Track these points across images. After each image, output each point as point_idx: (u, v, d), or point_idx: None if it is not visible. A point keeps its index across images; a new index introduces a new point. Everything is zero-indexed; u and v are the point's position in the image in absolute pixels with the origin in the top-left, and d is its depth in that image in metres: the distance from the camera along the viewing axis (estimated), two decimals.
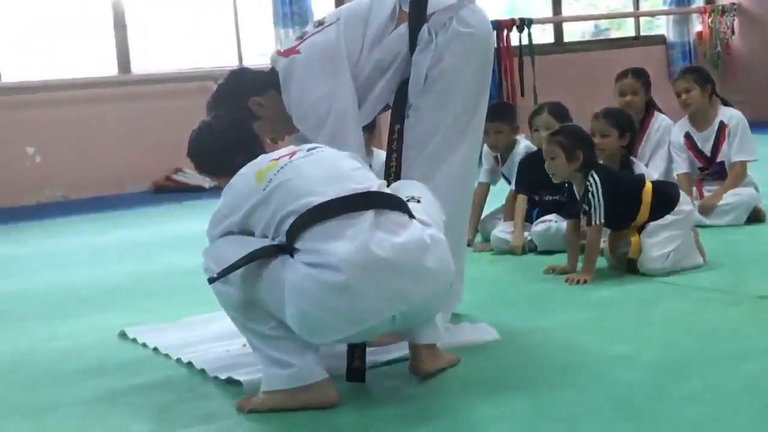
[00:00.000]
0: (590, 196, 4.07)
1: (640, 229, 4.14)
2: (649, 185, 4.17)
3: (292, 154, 2.81)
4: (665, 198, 4.14)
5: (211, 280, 2.70)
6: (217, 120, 3.16)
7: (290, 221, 2.62)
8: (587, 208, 4.12)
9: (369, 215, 2.60)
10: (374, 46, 3.28)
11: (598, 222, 4.06)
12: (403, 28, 3.27)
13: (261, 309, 2.70)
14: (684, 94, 5.41)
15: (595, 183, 4.07)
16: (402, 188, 2.89)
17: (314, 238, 2.58)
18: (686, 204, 4.21)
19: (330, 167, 2.76)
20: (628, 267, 4.15)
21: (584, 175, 4.12)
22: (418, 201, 2.81)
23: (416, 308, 2.63)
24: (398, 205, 2.70)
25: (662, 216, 4.11)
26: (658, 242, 4.07)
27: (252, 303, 2.70)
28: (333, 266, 2.51)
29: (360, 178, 2.74)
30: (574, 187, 4.23)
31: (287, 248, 2.61)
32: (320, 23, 3.36)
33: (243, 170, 2.85)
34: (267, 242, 2.68)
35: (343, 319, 2.55)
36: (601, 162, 4.34)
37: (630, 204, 4.12)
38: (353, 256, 2.51)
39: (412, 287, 2.58)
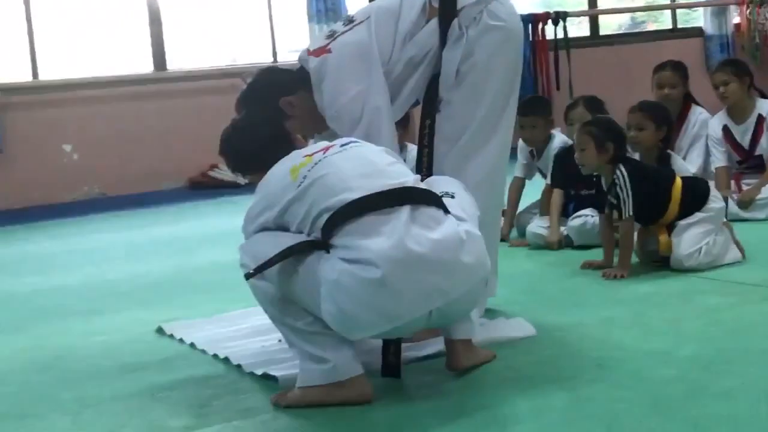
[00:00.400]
0: (618, 189, 4.05)
1: (670, 227, 4.10)
2: (678, 181, 4.13)
3: (326, 149, 2.81)
4: (695, 194, 4.11)
5: (248, 276, 2.71)
6: (249, 117, 3.19)
7: (326, 217, 2.63)
8: (615, 202, 4.10)
9: (405, 210, 2.60)
10: (406, 43, 3.28)
11: (628, 215, 4.03)
12: (434, 23, 3.27)
13: (296, 304, 2.71)
14: (722, 86, 5.37)
15: (623, 176, 4.04)
16: (435, 184, 2.89)
17: (350, 234, 2.59)
18: (716, 201, 4.17)
19: (365, 162, 2.76)
20: (660, 263, 4.12)
21: (613, 167, 4.10)
22: (452, 196, 2.81)
23: (453, 304, 2.63)
24: (433, 200, 2.70)
25: (692, 213, 4.07)
26: (688, 239, 4.03)
27: (288, 298, 2.71)
28: (370, 262, 2.52)
29: (395, 174, 2.75)
30: (602, 180, 4.21)
31: (323, 244, 2.62)
32: (350, 21, 3.35)
33: (276, 167, 2.86)
34: (302, 238, 2.69)
35: (379, 315, 2.55)
36: (633, 156, 4.31)
37: (659, 199, 4.09)
38: (390, 252, 2.51)
39: (448, 283, 2.58)
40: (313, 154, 2.80)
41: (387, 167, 2.77)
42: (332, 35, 3.33)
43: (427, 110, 3.30)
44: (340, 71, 3.23)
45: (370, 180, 2.68)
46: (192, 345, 3.46)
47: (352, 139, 2.94)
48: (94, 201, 8.37)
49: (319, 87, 3.26)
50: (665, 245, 4.08)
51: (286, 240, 2.69)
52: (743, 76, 5.40)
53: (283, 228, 2.77)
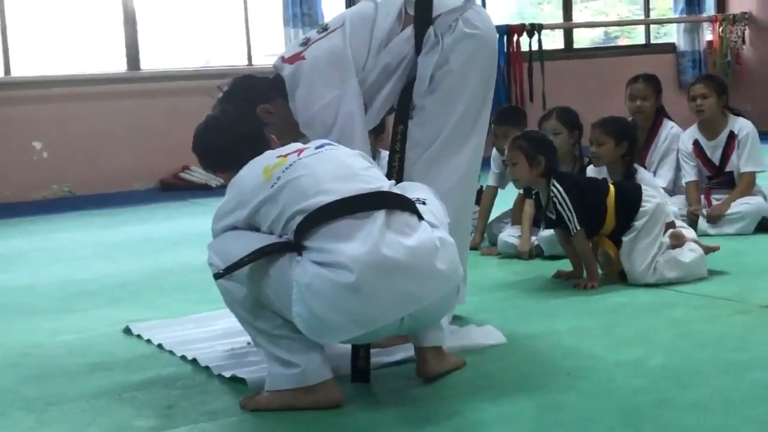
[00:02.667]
0: (558, 206, 4.03)
1: (615, 240, 4.10)
2: (612, 189, 4.12)
3: (300, 151, 2.80)
4: (626, 200, 4.07)
5: (217, 276, 2.69)
6: (225, 114, 3.16)
7: (299, 219, 2.61)
8: (554, 218, 4.10)
9: (380, 216, 2.60)
10: (381, 50, 3.27)
11: (576, 229, 4.02)
12: (409, 31, 3.28)
13: (266, 307, 2.69)
14: (700, 99, 5.39)
15: (559, 191, 4.02)
16: (407, 190, 2.88)
17: (324, 237, 2.57)
18: (650, 200, 4.09)
19: (340, 165, 2.75)
20: (620, 278, 4.13)
21: (547, 182, 4.08)
22: (424, 203, 2.80)
23: (425, 311, 2.62)
24: (408, 205, 2.69)
25: (629, 220, 4.05)
26: (637, 256, 4.02)
27: (257, 300, 2.70)
28: (344, 266, 2.50)
29: (370, 178, 2.74)
30: (540, 196, 4.21)
31: (295, 246, 2.61)
32: (324, 29, 3.34)
33: (248, 166, 2.84)
34: (274, 239, 2.67)
35: (351, 319, 2.54)
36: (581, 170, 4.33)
37: (597, 209, 4.06)
38: (364, 257, 2.51)
39: (421, 290, 2.58)
40: (287, 155, 2.78)
41: (362, 171, 2.76)
42: (306, 42, 3.32)
43: (399, 116, 3.30)
44: (313, 78, 3.22)
45: (345, 183, 2.67)
46: (160, 346, 3.44)
47: (327, 141, 2.93)
48: (63, 200, 8.30)
49: (293, 94, 3.25)
50: (618, 259, 4.09)
51: (257, 240, 2.67)
52: (721, 93, 5.44)
53: (253, 228, 2.75)
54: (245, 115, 3.16)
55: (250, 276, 2.66)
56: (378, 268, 2.51)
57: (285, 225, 2.65)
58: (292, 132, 3.31)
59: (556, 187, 4.04)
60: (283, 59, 3.32)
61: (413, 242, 2.58)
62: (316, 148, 2.83)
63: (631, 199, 4.08)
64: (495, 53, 3.41)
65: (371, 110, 3.29)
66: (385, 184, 2.74)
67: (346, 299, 2.51)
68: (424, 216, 2.70)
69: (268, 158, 2.82)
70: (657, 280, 4.02)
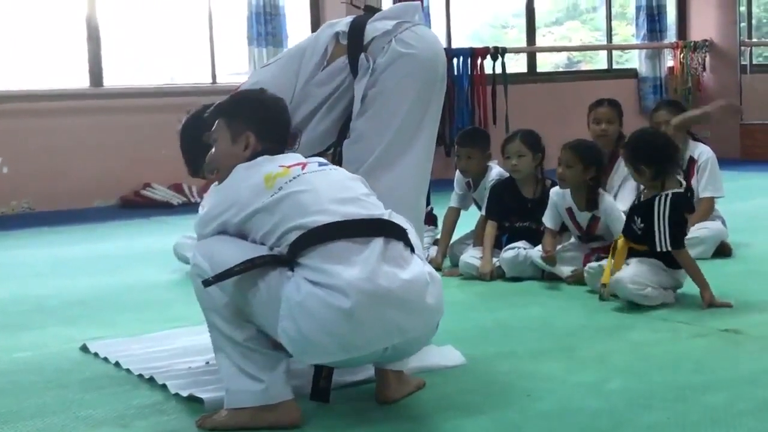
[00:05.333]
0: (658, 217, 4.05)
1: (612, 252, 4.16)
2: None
3: (304, 165, 2.79)
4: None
5: (207, 283, 2.62)
6: (201, 110, 3.17)
7: (296, 234, 2.60)
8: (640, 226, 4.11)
9: (378, 243, 2.60)
10: (307, 84, 3.30)
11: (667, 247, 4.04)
12: (341, 62, 3.30)
13: (243, 317, 2.66)
14: (664, 125, 5.44)
15: (666, 203, 4.05)
16: (393, 217, 2.84)
17: (321, 256, 2.56)
18: None
19: (342, 188, 2.75)
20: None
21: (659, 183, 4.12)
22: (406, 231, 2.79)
23: (408, 342, 2.64)
24: (402, 236, 2.69)
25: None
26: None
27: (239, 310, 2.66)
28: (340, 290, 2.50)
29: (370, 205, 2.75)
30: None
31: (288, 261, 2.59)
32: (267, 64, 3.39)
33: (244, 169, 2.79)
34: (265, 250, 2.64)
35: (338, 344, 2.53)
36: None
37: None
38: (362, 284, 2.50)
39: (410, 322, 2.59)
40: (290, 167, 2.76)
41: (363, 197, 2.77)
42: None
43: (339, 140, 3.33)
44: None
45: (346, 206, 2.67)
46: (117, 364, 3.40)
47: (328, 162, 2.94)
48: (21, 216, 8.21)
49: None
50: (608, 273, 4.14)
51: (248, 250, 2.65)
52: None
53: (241, 235, 2.72)
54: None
55: (237, 285, 2.63)
56: (373, 297, 2.51)
57: (279, 238, 2.63)
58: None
59: (665, 200, 4.06)
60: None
61: (408, 275, 2.59)
62: (320, 165, 2.83)
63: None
64: (435, 71, 3.35)
65: (309, 139, 3.29)
66: (385, 213, 2.74)
67: (338, 323, 2.50)
68: (415, 248, 2.71)
69: (268, 164, 2.79)
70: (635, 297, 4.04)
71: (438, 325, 2.77)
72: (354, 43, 3.30)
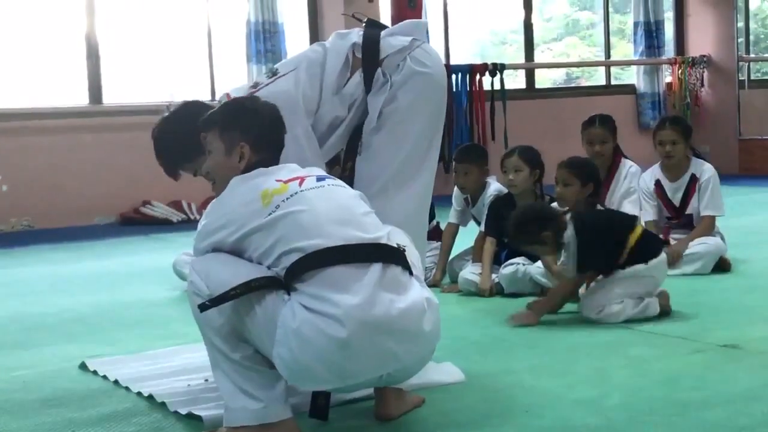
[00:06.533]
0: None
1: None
2: (639, 229, 4.23)
3: (302, 180, 2.75)
4: (649, 248, 4.19)
5: (203, 308, 2.59)
6: (184, 107, 3.17)
7: (294, 257, 2.57)
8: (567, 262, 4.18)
9: (376, 269, 2.58)
10: (334, 94, 3.29)
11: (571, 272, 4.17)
12: (358, 75, 3.31)
13: (240, 337, 2.64)
14: (669, 145, 5.44)
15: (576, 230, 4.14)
16: (390, 236, 2.82)
17: (318, 283, 2.54)
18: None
19: (341, 208, 2.71)
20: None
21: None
22: (404, 249, 2.76)
23: (404, 369, 2.64)
24: (401, 259, 2.68)
25: (636, 262, 4.14)
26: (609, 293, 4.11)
27: (235, 329, 2.63)
28: (336, 318, 2.48)
29: (369, 226, 2.72)
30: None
31: (285, 284, 2.58)
32: (274, 73, 3.32)
33: (240, 183, 2.76)
34: (263, 270, 2.62)
35: (333, 372, 2.52)
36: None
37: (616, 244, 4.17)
38: (358, 314, 2.49)
39: (406, 350, 2.59)
40: (287, 182, 2.73)
41: (362, 217, 2.74)
42: (256, 86, 3.30)
43: (349, 153, 3.33)
44: None
45: (345, 229, 2.65)
46: (116, 382, 3.39)
47: (326, 174, 2.90)
48: (21, 233, 8.22)
49: None
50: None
51: (246, 270, 2.61)
52: (688, 138, 5.51)
53: (237, 252, 2.70)
54: (205, 108, 3.13)
55: (234, 307, 2.60)
56: (370, 327, 2.50)
57: (277, 259, 2.60)
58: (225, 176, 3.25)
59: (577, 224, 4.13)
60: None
61: (404, 304, 2.58)
62: (318, 179, 2.79)
63: (653, 249, 4.20)
64: (444, 91, 3.43)
65: (323, 150, 3.30)
66: (383, 234, 2.72)
67: (333, 352, 2.49)
68: (413, 271, 2.70)
69: (264, 179, 2.75)
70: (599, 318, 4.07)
71: (434, 350, 2.76)
72: (370, 57, 3.30)
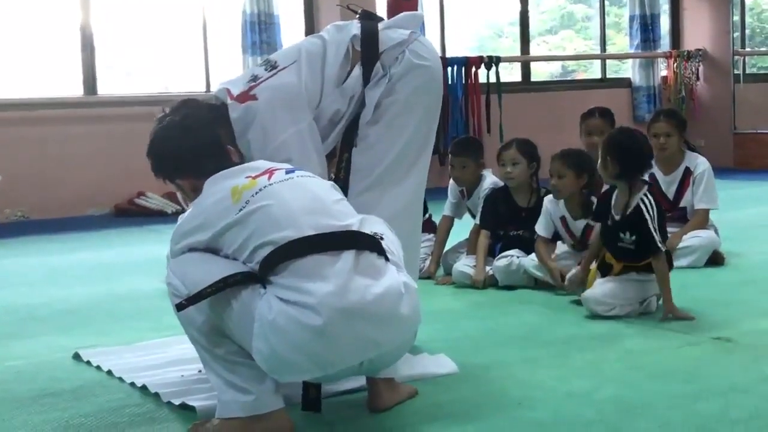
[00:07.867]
0: (648, 220, 3.99)
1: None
2: None
3: (270, 173, 2.75)
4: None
5: (180, 307, 2.61)
6: (186, 119, 3.01)
7: (267, 251, 2.57)
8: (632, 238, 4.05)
9: (349, 256, 2.57)
10: (335, 87, 3.28)
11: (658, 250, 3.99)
12: (358, 68, 3.30)
13: (223, 333, 2.65)
14: (663, 137, 5.45)
15: (651, 205, 4.01)
16: (365, 224, 2.84)
17: (291, 273, 2.54)
18: None
19: (311, 198, 2.70)
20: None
21: (627, 184, 4.07)
22: (381, 238, 2.76)
23: (385, 354, 2.63)
24: (376, 246, 2.67)
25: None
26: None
27: (216, 327, 2.65)
28: (311, 307, 2.47)
29: (340, 214, 2.71)
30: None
31: (260, 278, 2.58)
32: (273, 66, 3.28)
33: (214, 183, 2.77)
34: (238, 266, 2.62)
35: (312, 361, 2.51)
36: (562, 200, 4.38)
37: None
38: (332, 301, 2.48)
39: (384, 335, 2.57)
40: (257, 177, 2.73)
41: (333, 205, 2.74)
42: (255, 79, 3.25)
43: (345, 144, 3.32)
44: (267, 118, 3.15)
45: (316, 218, 2.64)
46: (109, 372, 3.39)
47: (295, 167, 2.87)
48: (15, 224, 8.21)
49: (243, 136, 3.14)
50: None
51: (221, 267, 2.62)
52: (682, 130, 5.52)
53: (213, 250, 2.70)
54: (209, 123, 3.05)
55: (212, 305, 2.61)
56: (345, 313, 2.49)
57: (251, 254, 2.60)
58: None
59: (648, 199, 4.03)
60: (230, 96, 3.22)
61: (380, 289, 2.56)
62: (287, 172, 2.78)
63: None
64: (441, 85, 3.45)
65: (325, 144, 3.29)
66: (355, 221, 2.71)
67: (310, 341, 2.48)
68: (389, 257, 2.69)
69: (236, 176, 2.76)
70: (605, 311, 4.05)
71: (416, 334, 2.76)
72: (369, 50, 3.30)
